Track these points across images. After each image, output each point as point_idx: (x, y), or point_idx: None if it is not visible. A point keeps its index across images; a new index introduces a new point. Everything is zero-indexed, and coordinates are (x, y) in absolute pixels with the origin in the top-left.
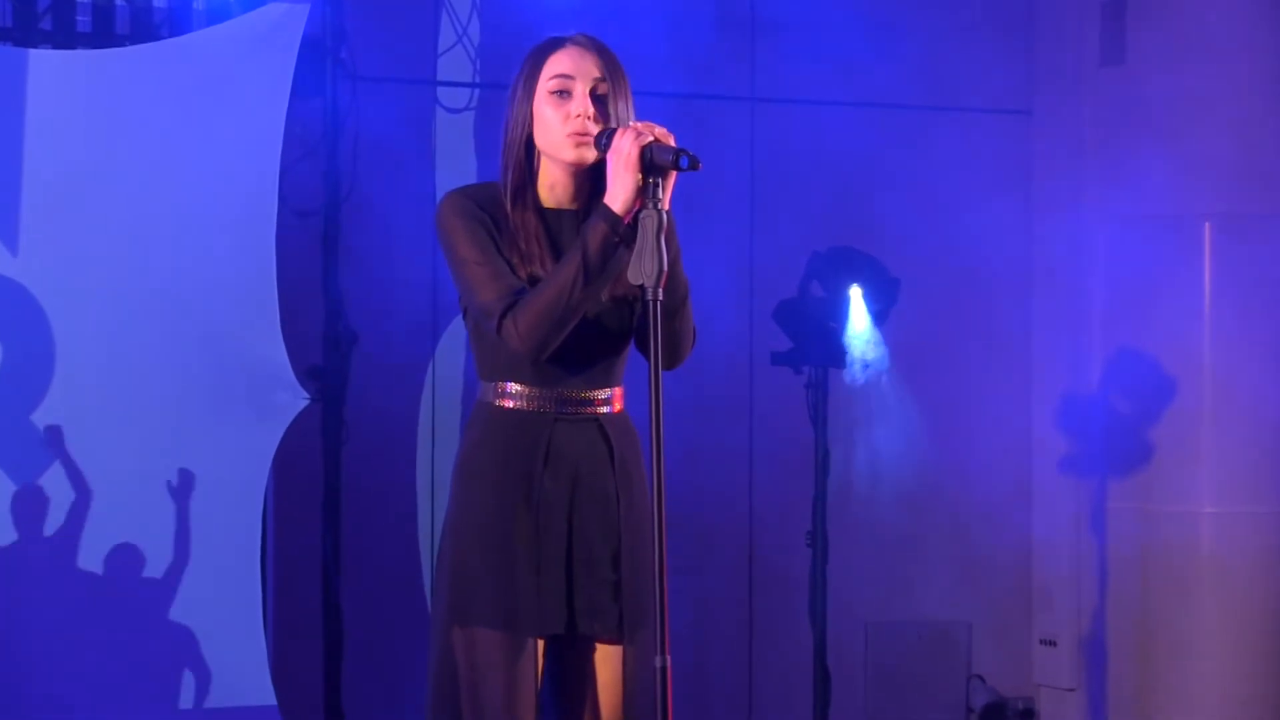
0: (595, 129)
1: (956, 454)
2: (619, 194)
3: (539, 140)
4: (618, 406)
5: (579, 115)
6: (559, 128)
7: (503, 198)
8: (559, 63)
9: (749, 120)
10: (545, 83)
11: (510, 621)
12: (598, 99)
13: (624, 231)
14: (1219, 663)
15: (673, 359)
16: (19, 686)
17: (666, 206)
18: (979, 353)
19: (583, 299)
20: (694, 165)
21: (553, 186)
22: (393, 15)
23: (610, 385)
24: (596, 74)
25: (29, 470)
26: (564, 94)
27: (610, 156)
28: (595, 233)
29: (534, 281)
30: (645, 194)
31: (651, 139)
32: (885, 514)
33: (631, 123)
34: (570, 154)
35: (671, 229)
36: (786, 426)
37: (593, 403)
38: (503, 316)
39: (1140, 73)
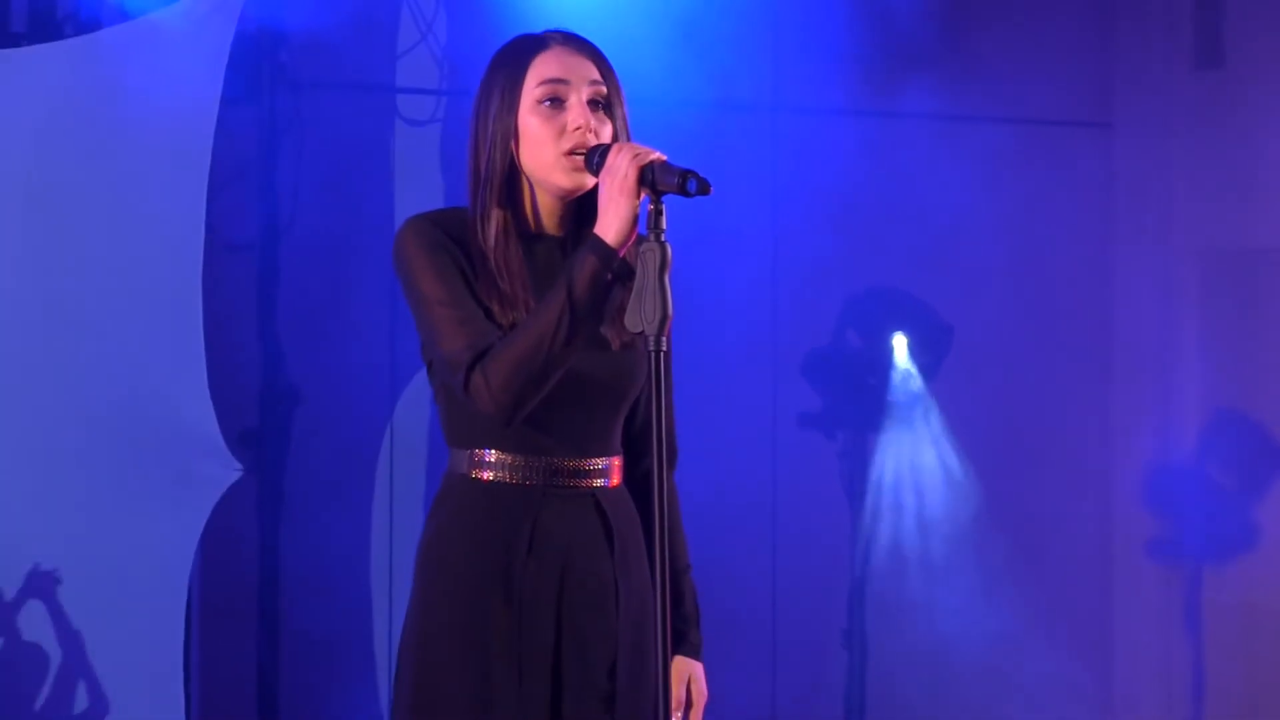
0: (595, 142)
1: (1021, 536)
2: (613, 222)
3: (525, 161)
4: (615, 480)
5: (577, 128)
6: (552, 145)
7: (475, 229)
8: (546, 66)
9: (771, 132)
10: (531, 91)
11: None
12: (597, 106)
13: (618, 267)
14: None
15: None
16: None
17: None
18: (1048, 413)
19: (567, 347)
20: (704, 189)
21: (539, 215)
22: (343, 10)
23: (609, 454)
24: (593, 76)
25: None
26: (556, 103)
27: (604, 178)
28: (584, 268)
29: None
30: (647, 223)
31: (652, 158)
32: (936, 608)
33: (627, 142)
34: (566, 177)
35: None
36: (817, 502)
37: (588, 474)
38: (471, 368)
39: (1242, 77)
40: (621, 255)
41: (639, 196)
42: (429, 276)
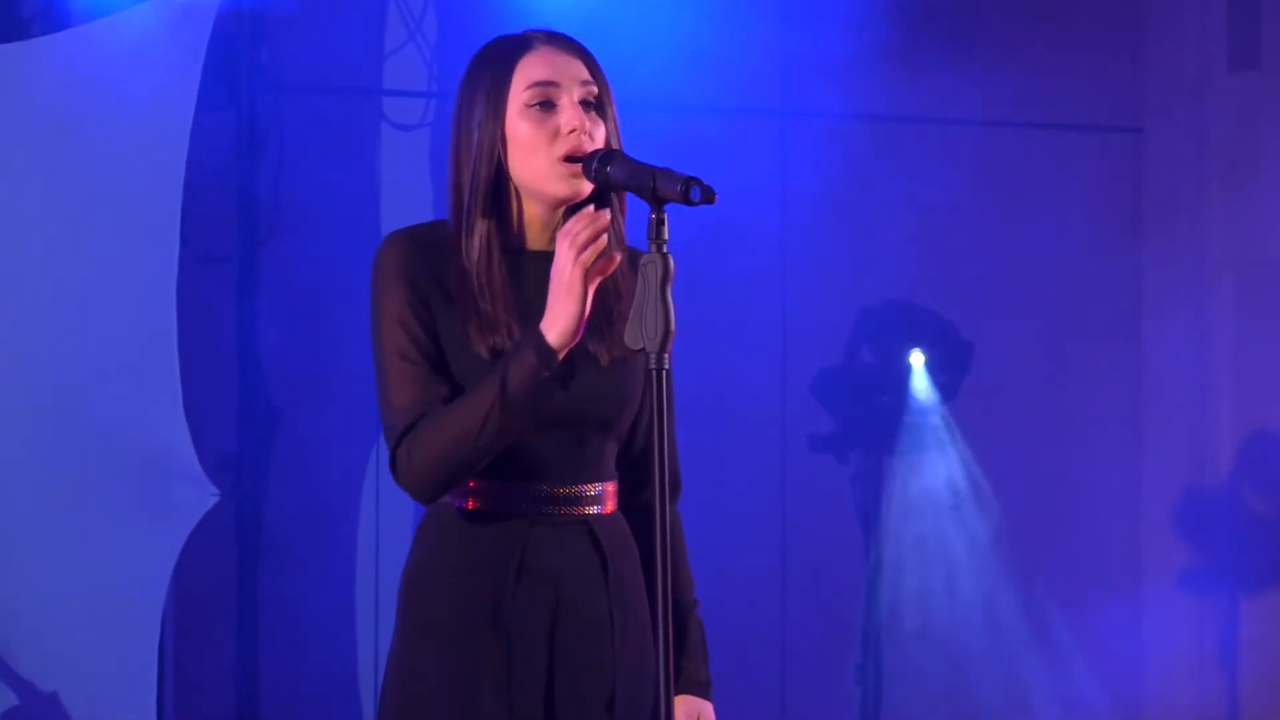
0: (592, 146)
1: (1046, 564)
2: (557, 321)
3: (516, 170)
4: (610, 506)
5: (572, 130)
6: (545, 150)
7: (458, 245)
8: (533, 68)
9: (781, 138)
10: (519, 95)
11: None
12: (589, 106)
13: (558, 368)
14: None
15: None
16: None
17: None
18: (1075, 436)
19: (495, 441)
20: (708, 198)
21: (528, 228)
22: (327, 8)
23: (602, 479)
24: (583, 75)
25: None
26: (546, 106)
27: (552, 274)
28: (521, 365)
29: (497, 354)
30: (648, 233)
31: (590, 252)
32: (955, 643)
33: (566, 225)
34: (564, 184)
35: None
36: (828, 531)
37: (580, 501)
38: (399, 442)
39: (1279, 79)
40: (563, 358)
41: (588, 297)
42: (391, 321)
